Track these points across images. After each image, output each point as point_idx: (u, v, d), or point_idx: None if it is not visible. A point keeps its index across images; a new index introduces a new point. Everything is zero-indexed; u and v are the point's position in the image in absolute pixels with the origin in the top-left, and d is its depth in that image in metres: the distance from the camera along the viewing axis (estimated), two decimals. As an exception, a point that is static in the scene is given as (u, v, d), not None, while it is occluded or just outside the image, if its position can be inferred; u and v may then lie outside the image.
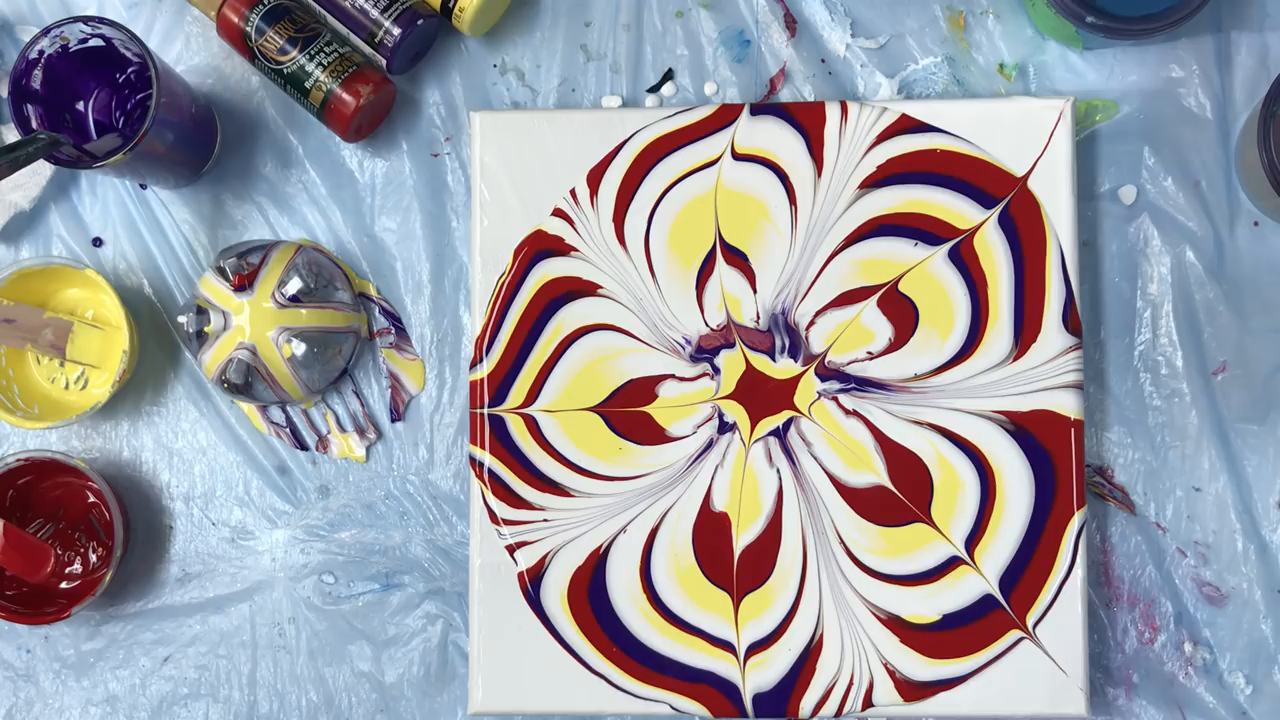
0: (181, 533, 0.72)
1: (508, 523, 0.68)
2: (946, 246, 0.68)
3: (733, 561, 0.68)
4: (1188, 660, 0.68)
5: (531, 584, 0.68)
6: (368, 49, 0.70)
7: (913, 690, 0.66)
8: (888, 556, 0.67)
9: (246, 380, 0.68)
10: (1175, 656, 0.68)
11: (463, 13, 0.69)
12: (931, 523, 0.67)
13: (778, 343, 0.68)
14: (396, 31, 0.68)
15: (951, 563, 0.67)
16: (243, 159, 0.73)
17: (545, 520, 0.68)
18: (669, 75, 0.72)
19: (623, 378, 0.68)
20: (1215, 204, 0.69)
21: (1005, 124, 0.68)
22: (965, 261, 0.67)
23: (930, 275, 0.68)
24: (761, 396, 0.68)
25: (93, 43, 0.67)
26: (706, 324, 0.68)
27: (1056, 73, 0.70)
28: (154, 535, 0.72)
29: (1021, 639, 0.66)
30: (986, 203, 0.67)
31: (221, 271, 0.68)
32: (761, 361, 0.68)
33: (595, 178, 0.69)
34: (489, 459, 0.68)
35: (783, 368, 0.68)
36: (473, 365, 0.69)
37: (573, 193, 0.69)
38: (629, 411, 0.68)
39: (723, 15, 0.72)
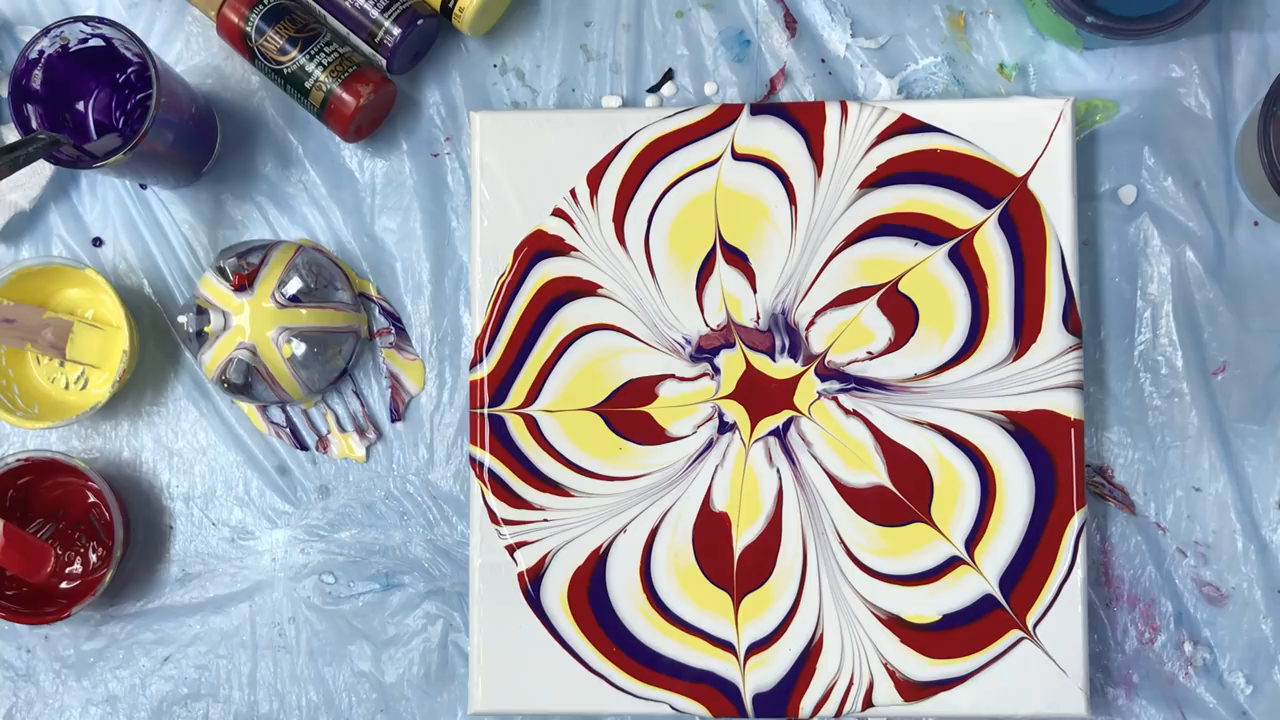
0: (181, 533, 0.72)
1: (508, 523, 0.68)
2: (946, 246, 0.68)
3: (733, 561, 0.68)
4: (1188, 660, 0.68)
5: (531, 584, 0.68)
6: (368, 49, 0.70)
7: (913, 690, 0.66)
8: (888, 556, 0.67)
9: (246, 380, 0.68)
10: (1175, 656, 0.68)
11: (463, 13, 0.69)
12: (931, 523, 0.67)
13: (778, 343, 0.68)
14: (396, 31, 0.68)
15: (951, 563, 0.67)
16: (243, 159, 0.73)
17: (545, 520, 0.68)
18: (669, 75, 0.72)
19: (623, 378, 0.68)
20: (1215, 204, 0.69)
21: (1005, 124, 0.68)
22: (965, 261, 0.67)
23: (930, 275, 0.68)
24: (761, 396, 0.68)
25: (93, 43, 0.67)
26: (706, 324, 0.68)
27: (1056, 73, 0.70)
28: (154, 535, 0.72)
29: (1021, 639, 0.66)
30: (986, 203, 0.67)
31: (221, 271, 0.68)
32: (761, 361, 0.68)
33: (595, 178, 0.69)
34: (489, 459, 0.68)
35: (783, 368, 0.68)
36: (473, 365, 0.69)
37: (573, 193, 0.69)
38: (629, 411, 0.68)
39: (723, 15, 0.72)
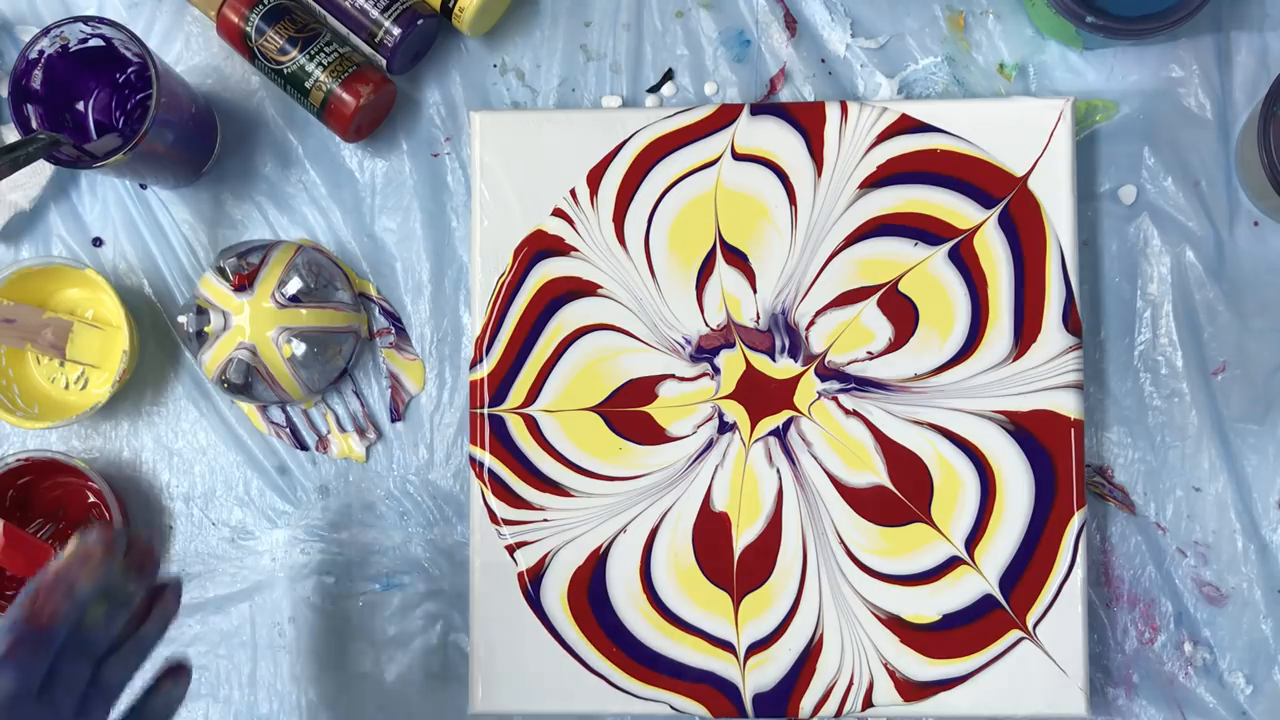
0: (181, 533, 0.72)
1: (508, 523, 0.68)
2: (946, 246, 0.68)
3: (733, 561, 0.68)
4: (1188, 660, 0.68)
5: (531, 584, 0.68)
6: (368, 49, 0.70)
7: (913, 690, 0.66)
8: (888, 556, 0.67)
9: (246, 380, 0.68)
10: (1175, 656, 0.68)
11: (463, 13, 0.69)
12: (931, 523, 0.67)
13: (778, 343, 0.68)
14: (396, 31, 0.68)
15: (951, 563, 0.67)
16: (243, 159, 0.73)
17: (545, 520, 0.68)
18: (669, 75, 0.72)
19: (623, 378, 0.68)
20: (1215, 204, 0.69)
21: (1005, 124, 0.68)
22: (965, 261, 0.67)
23: (930, 275, 0.68)
24: (761, 396, 0.68)
25: (93, 43, 0.67)
26: (706, 324, 0.68)
27: (1056, 73, 0.70)
28: (154, 535, 0.72)
29: (1021, 639, 0.66)
30: (986, 203, 0.67)
31: (221, 271, 0.68)
32: (761, 361, 0.68)
33: (595, 178, 0.69)
34: (489, 459, 0.68)
35: (783, 368, 0.68)
36: (473, 365, 0.69)
37: (573, 193, 0.69)
38: (629, 411, 0.68)
39: (723, 15, 0.72)
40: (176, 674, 0.58)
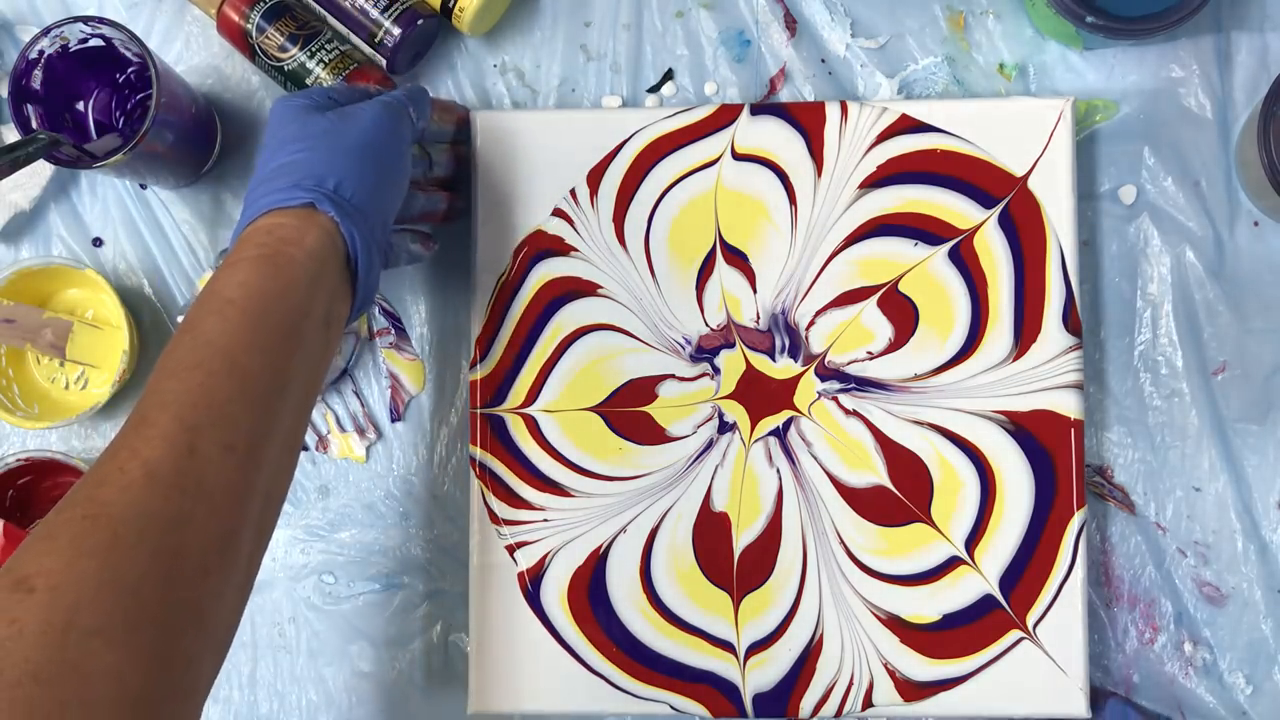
0: (181, 533, 0.72)
1: (508, 523, 0.68)
2: (946, 246, 0.68)
3: (733, 561, 0.68)
4: (1188, 660, 0.68)
5: (531, 584, 0.68)
6: (368, 49, 0.70)
7: (913, 690, 0.66)
8: (888, 556, 0.67)
9: (246, 380, 0.67)
10: (1175, 656, 0.68)
11: (463, 13, 0.69)
12: (931, 523, 0.67)
13: (778, 343, 0.68)
14: (396, 31, 0.68)
15: (951, 563, 0.67)
16: (243, 159, 0.73)
17: (545, 520, 0.68)
18: (669, 75, 0.72)
19: (623, 378, 0.68)
20: (1215, 204, 0.69)
21: (1005, 124, 0.68)
22: (965, 261, 0.67)
23: (930, 275, 0.68)
24: (761, 396, 0.68)
25: (93, 43, 0.67)
26: (706, 324, 0.68)
27: (1056, 73, 0.70)
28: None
29: (1021, 639, 0.66)
30: (986, 203, 0.67)
31: (221, 271, 0.68)
32: (761, 361, 0.68)
33: (595, 178, 0.69)
34: (489, 459, 0.68)
35: (783, 368, 0.68)
36: (472, 365, 0.69)
37: (573, 193, 0.69)
38: (629, 411, 0.68)
39: (723, 15, 0.72)
40: (427, 240, 0.66)
